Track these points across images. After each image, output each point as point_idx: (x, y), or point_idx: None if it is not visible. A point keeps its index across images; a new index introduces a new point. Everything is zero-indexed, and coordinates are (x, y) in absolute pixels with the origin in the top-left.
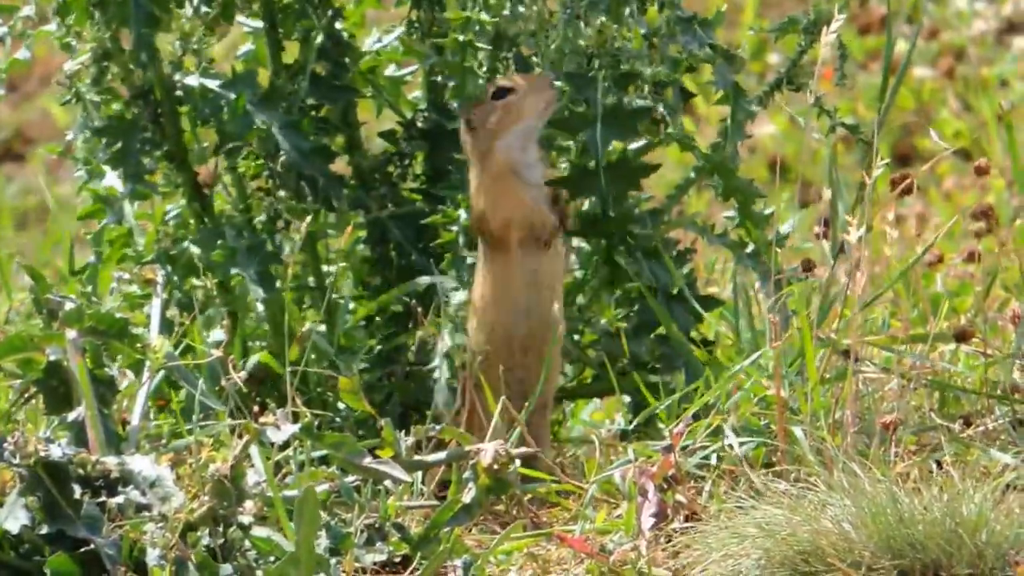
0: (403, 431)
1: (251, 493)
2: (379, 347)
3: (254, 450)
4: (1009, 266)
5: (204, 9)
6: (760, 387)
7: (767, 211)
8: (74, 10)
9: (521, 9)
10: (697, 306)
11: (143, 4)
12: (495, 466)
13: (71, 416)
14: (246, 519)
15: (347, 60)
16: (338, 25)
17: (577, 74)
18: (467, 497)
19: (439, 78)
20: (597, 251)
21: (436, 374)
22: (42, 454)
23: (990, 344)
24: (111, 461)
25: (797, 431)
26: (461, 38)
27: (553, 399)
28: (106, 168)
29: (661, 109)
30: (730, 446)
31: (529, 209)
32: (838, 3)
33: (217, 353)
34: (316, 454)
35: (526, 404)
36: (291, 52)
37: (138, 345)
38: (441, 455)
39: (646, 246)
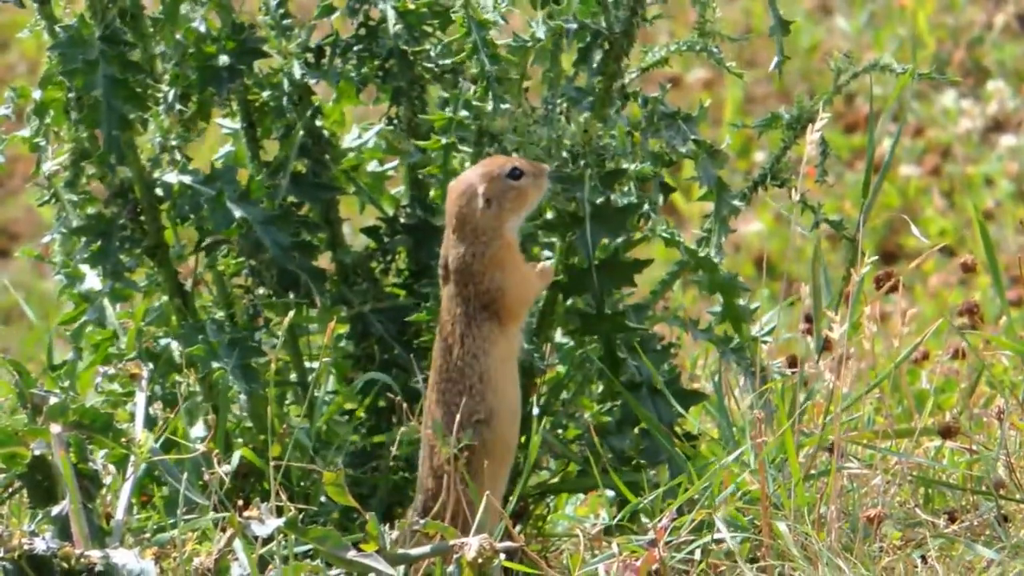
0: (387, 525)
1: None
2: (363, 441)
3: (238, 544)
4: (994, 363)
5: (179, 107)
6: (744, 482)
7: (751, 306)
8: (51, 109)
9: (503, 107)
10: (675, 403)
11: (115, 106)
12: (479, 560)
13: (55, 510)
14: None
15: (328, 157)
16: (318, 122)
17: (564, 174)
18: None
19: (421, 174)
20: (581, 346)
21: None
22: (26, 548)
23: (975, 440)
24: (95, 555)
25: (782, 526)
26: (444, 140)
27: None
28: (84, 268)
29: (646, 206)
30: (716, 541)
31: (538, 285)
32: (822, 101)
33: (201, 448)
34: (300, 548)
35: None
36: (270, 151)
37: (122, 439)
38: (425, 549)
39: (630, 341)
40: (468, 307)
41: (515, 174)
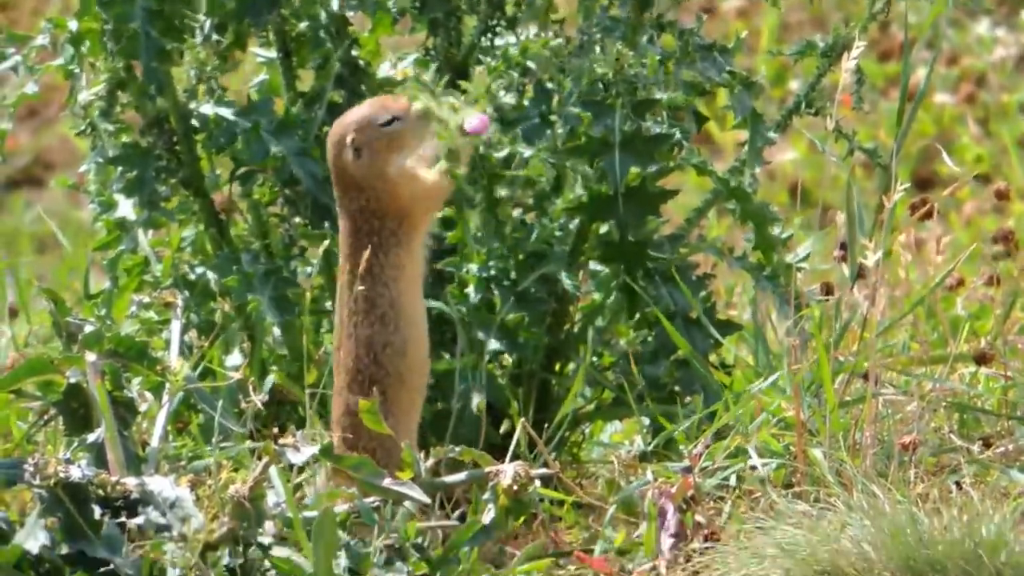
0: (422, 452)
1: (271, 514)
2: None
3: (273, 472)
4: None
5: (216, 38)
6: (779, 409)
7: (784, 234)
8: (88, 39)
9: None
10: (714, 332)
11: (153, 37)
12: (515, 487)
13: (91, 438)
14: (266, 540)
15: (364, 88)
16: (354, 52)
17: (594, 101)
18: (486, 518)
19: None
20: (616, 275)
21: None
22: (62, 475)
23: (1010, 366)
24: (131, 482)
25: (816, 452)
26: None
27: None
28: (119, 198)
29: (678, 135)
30: (751, 467)
31: (439, 193)
32: (858, 28)
33: (236, 375)
34: None
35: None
36: (305, 80)
37: (158, 367)
38: (461, 476)
39: (665, 271)
40: (371, 239)
41: (388, 123)
